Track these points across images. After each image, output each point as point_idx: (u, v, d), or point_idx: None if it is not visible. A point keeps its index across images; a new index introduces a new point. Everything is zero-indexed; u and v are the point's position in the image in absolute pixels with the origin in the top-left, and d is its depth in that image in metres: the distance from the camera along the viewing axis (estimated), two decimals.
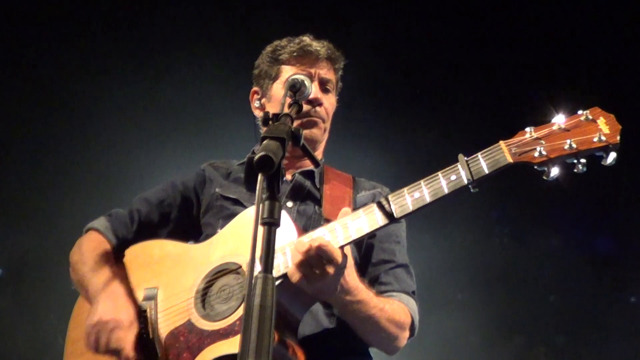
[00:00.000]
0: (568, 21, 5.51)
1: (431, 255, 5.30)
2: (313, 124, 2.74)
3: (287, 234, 2.30)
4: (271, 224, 1.73)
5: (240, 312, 2.31)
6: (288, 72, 2.80)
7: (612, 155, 2.01)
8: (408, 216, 2.22)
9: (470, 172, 2.10)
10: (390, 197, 2.21)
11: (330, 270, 2.16)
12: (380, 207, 2.20)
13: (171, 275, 2.56)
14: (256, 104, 2.91)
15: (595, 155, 2.02)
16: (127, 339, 2.41)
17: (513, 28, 5.62)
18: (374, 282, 2.62)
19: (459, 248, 5.67)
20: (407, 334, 2.57)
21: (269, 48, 2.90)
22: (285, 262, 2.26)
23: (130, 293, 2.55)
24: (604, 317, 5.48)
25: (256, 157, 1.72)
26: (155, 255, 2.64)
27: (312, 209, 2.68)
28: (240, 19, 5.46)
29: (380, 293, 2.54)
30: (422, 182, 2.18)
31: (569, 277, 5.57)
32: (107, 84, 5.35)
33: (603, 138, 2.00)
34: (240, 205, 2.69)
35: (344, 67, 2.94)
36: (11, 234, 5.25)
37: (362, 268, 2.63)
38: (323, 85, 2.82)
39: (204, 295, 2.44)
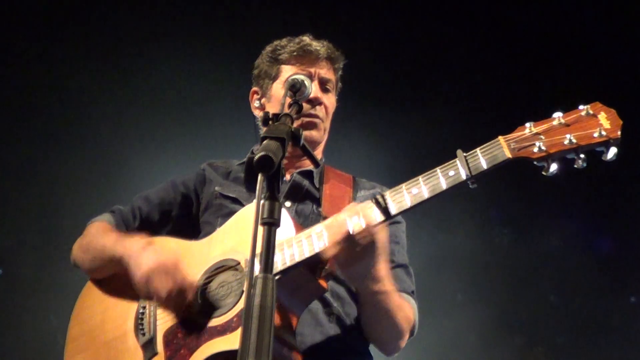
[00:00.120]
0: (569, 15, 5.50)
1: (431, 256, 5.29)
2: (313, 126, 2.75)
3: (285, 231, 2.30)
4: (271, 223, 1.73)
5: (237, 308, 2.32)
6: (288, 71, 2.80)
7: (613, 151, 1.99)
8: (406, 212, 2.22)
9: (469, 168, 2.09)
10: (388, 194, 2.21)
11: (370, 251, 2.16)
12: (378, 203, 2.20)
13: None
14: (256, 103, 2.92)
15: (595, 150, 2.00)
16: (181, 277, 2.39)
17: (514, 22, 5.62)
18: None
19: (459, 248, 5.67)
20: (408, 334, 2.59)
21: (268, 48, 2.91)
22: (282, 259, 2.27)
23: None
24: (604, 317, 5.48)
25: (256, 157, 1.73)
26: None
27: (310, 209, 2.69)
28: (241, 17, 5.45)
29: None
30: (420, 178, 2.17)
31: (569, 277, 5.57)
32: (107, 84, 5.35)
33: (604, 133, 1.98)
34: (240, 204, 2.70)
35: (344, 66, 2.95)
36: (11, 233, 5.24)
37: None
38: (323, 84, 2.82)
39: (202, 292, 2.44)
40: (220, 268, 2.45)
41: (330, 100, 2.85)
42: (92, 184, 5.21)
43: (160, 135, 5.33)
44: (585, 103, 2.05)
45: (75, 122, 5.31)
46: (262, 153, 1.72)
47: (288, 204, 2.69)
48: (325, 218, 2.48)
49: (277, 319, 2.13)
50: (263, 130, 2.17)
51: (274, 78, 2.85)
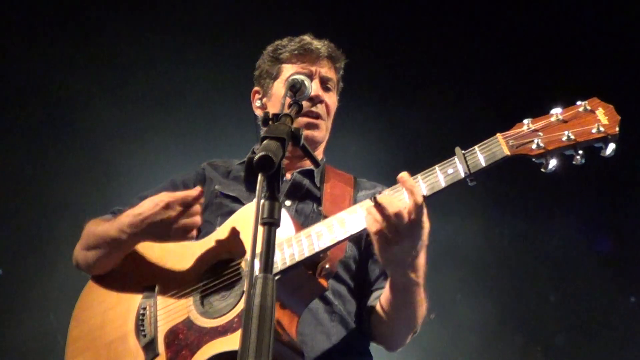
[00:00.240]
0: (566, 11, 5.49)
1: (430, 255, 5.28)
2: (314, 127, 2.75)
3: (285, 230, 2.30)
4: (271, 224, 1.73)
5: (238, 309, 2.32)
6: (289, 70, 2.82)
7: (611, 147, 1.98)
8: None
9: (468, 166, 2.08)
10: (387, 191, 2.20)
11: (416, 234, 2.13)
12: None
13: (170, 273, 2.57)
14: (257, 103, 2.93)
15: (594, 146, 2.00)
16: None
17: (511, 18, 5.62)
18: (373, 278, 2.63)
19: (459, 248, 5.66)
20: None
21: (269, 48, 2.93)
22: (282, 258, 2.27)
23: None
24: (604, 317, 5.48)
25: (256, 157, 1.73)
26: (155, 253, 2.65)
27: (310, 208, 2.70)
28: (242, 16, 5.45)
29: (380, 289, 2.54)
30: (419, 175, 2.18)
31: (569, 277, 5.57)
32: (108, 83, 5.35)
33: (602, 129, 1.98)
34: (239, 203, 2.70)
35: (346, 65, 2.96)
36: (11, 233, 5.24)
37: (362, 264, 2.63)
38: (324, 83, 2.83)
39: (203, 292, 2.44)
40: (220, 268, 2.44)
41: (331, 99, 2.85)
42: (93, 184, 5.21)
43: (161, 135, 5.33)
44: (583, 99, 2.05)
45: (76, 122, 5.31)
46: (262, 153, 1.72)
47: (288, 202, 2.70)
48: (325, 217, 2.48)
49: (277, 319, 2.12)
50: (263, 130, 2.18)
51: (275, 77, 2.86)
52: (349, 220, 2.24)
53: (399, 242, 2.14)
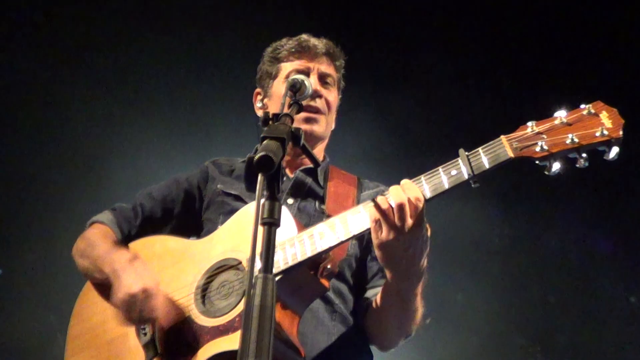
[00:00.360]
0: (572, 12, 5.49)
1: (430, 256, 5.28)
2: (313, 121, 2.75)
3: (287, 230, 2.30)
4: (271, 224, 1.74)
5: (239, 308, 2.33)
6: (287, 68, 2.86)
7: (615, 150, 1.99)
8: None
9: (471, 167, 2.08)
10: (390, 194, 2.19)
11: (416, 233, 2.13)
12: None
13: (172, 271, 2.58)
14: (258, 104, 2.97)
15: (597, 150, 2.01)
16: (158, 305, 2.41)
17: (516, 19, 5.61)
18: (370, 275, 2.63)
19: (459, 248, 5.66)
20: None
21: (269, 49, 2.97)
22: (284, 258, 2.27)
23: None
24: (604, 317, 5.47)
25: (256, 157, 1.73)
26: (156, 251, 2.66)
27: (313, 206, 2.70)
28: (241, 14, 5.45)
29: (376, 287, 2.54)
30: (422, 177, 2.18)
31: (569, 277, 5.57)
32: (109, 82, 5.35)
33: (605, 132, 1.98)
34: (241, 201, 2.70)
35: (347, 64, 2.97)
36: (11, 233, 5.24)
37: (363, 262, 2.63)
38: (323, 79, 2.84)
39: (204, 291, 2.45)
40: (222, 267, 2.45)
41: (331, 95, 2.86)
42: (93, 183, 5.21)
43: (163, 133, 5.33)
44: (587, 102, 2.05)
45: (76, 122, 5.31)
46: (262, 153, 1.73)
47: (291, 201, 2.70)
48: (328, 216, 2.48)
49: (278, 319, 2.12)
50: (263, 130, 2.18)
51: (274, 77, 2.90)
52: (352, 220, 2.24)
53: (398, 238, 2.14)
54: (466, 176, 2.10)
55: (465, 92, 5.64)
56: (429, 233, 2.21)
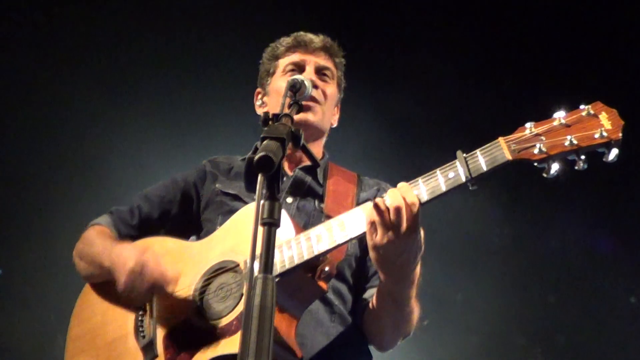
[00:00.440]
0: (571, 13, 5.48)
1: (430, 255, 5.28)
2: (308, 109, 2.72)
3: (284, 232, 2.29)
4: (271, 224, 1.73)
5: (237, 311, 2.32)
6: (284, 63, 2.86)
7: (614, 152, 1.96)
8: None
9: (469, 170, 2.06)
10: (386, 196, 2.18)
11: (410, 236, 2.12)
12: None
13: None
14: (258, 102, 2.97)
15: (596, 151, 1.98)
16: (154, 268, 2.42)
17: (515, 19, 5.61)
18: (370, 274, 2.63)
19: (459, 248, 5.66)
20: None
21: (268, 48, 2.97)
22: (282, 260, 2.26)
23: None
24: (604, 317, 5.48)
25: (256, 157, 1.72)
26: (155, 252, 2.64)
27: (312, 205, 2.68)
28: (241, 13, 5.46)
29: (374, 287, 2.53)
30: (419, 179, 2.16)
31: (569, 277, 5.57)
32: (107, 81, 5.35)
33: (605, 134, 1.95)
34: (240, 201, 2.69)
35: (348, 63, 2.98)
36: (11, 233, 5.24)
37: (362, 260, 2.63)
38: (319, 71, 2.84)
39: (201, 294, 2.44)
40: (220, 270, 2.44)
41: (330, 89, 2.85)
42: (93, 183, 5.21)
43: (160, 133, 5.33)
44: (587, 102, 2.03)
45: (76, 122, 5.31)
46: (262, 153, 1.72)
47: (290, 200, 2.68)
48: (327, 215, 2.47)
49: (275, 322, 2.12)
50: (263, 130, 2.19)
51: (272, 73, 2.91)
52: (349, 223, 2.22)
53: (393, 242, 2.13)
54: (464, 179, 2.07)
55: (464, 90, 5.64)
56: (422, 237, 2.20)
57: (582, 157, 1.98)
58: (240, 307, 2.31)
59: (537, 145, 2.01)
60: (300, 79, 2.33)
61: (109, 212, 2.86)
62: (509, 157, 2.03)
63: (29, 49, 5.20)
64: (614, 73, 5.32)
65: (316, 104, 2.76)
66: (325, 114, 2.83)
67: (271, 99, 2.87)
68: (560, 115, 2.03)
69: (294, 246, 2.27)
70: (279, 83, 2.83)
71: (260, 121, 2.41)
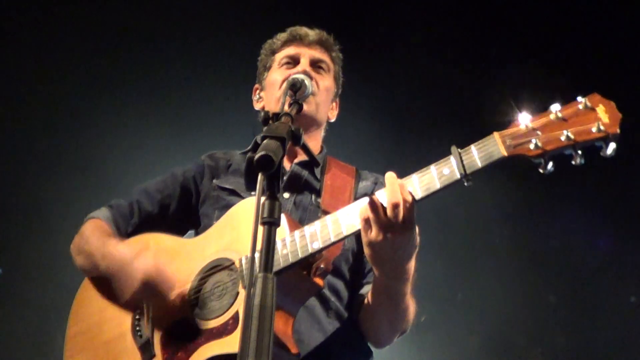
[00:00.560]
0: (566, 3, 5.47)
1: (430, 256, 5.29)
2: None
3: (279, 230, 2.27)
4: (271, 223, 1.72)
5: (233, 310, 2.31)
6: (280, 56, 2.91)
7: (612, 146, 1.90)
8: None
9: (463, 166, 2.02)
10: (381, 192, 2.17)
11: (405, 232, 2.09)
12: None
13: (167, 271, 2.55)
14: (256, 97, 3.00)
15: (594, 146, 1.92)
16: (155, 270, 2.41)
17: (511, 13, 5.59)
18: (366, 269, 2.62)
19: (459, 248, 5.66)
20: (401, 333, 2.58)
21: (265, 44, 3.01)
22: (277, 259, 2.24)
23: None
24: (604, 317, 5.47)
25: (256, 156, 1.72)
26: (152, 250, 2.64)
27: (309, 200, 2.68)
28: (238, 11, 5.46)
29: (370, 283, 2.53)
30: (413, 175, 2.12)
31: (569, 277, 5.57)
32: (103, 78, 5.35)
33: (602, 128, 1.89)
34: (237, 195, 2.69)
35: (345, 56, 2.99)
36: (11, 233, 5.24)
37: (359, 255, 2.62)
38: (314, 64, 2.86)
39: (197, 293, 2.43)
40: (215, 268, 2.43)
41: (325, 81, 2.87)
42: (93, 183, 5.20)
43: (158, 128, 5.34)
44: (583, 94, 1.97)
45: (75, 122, 5.31)
46: (262, 152, 1.71)
47: (287, 195, 2.69)
48: (324, 210, 2.47)
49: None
50: (264, 129, 2.18)
51: (269, 68, 2.96)
52: (345, 220, 2.21)
53: (388, 239, 2.11)
54: (458, 175, 2.03)
55: (459, 82, 5.61)
56: (418, 234, 2.18)
57: (579, 151, 1.93)
58: (236, 305, 2.30)
59: (533, 141, 1.95)
60: (301, 78, 2.34)
61: (108, 205, 2.86)
62: (504, 153, 1.99)
63: (27, 47, 5.20)
64: (611, 64, 5.29)
65: (310, 95, 2.76)
66: (320, 105, 2.83)
67: (267, 92, 2.91)
68: (556, 109, 1.98)
69: (289, 244, 2.26)
70: (274, 76, 2.88)
71: (260, 120, 2.41)
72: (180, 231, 2.75)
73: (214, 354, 2.28)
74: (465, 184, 2.05)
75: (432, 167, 2.09)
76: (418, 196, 2.10)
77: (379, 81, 5.56)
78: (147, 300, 2.45)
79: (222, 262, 2.42)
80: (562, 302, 5.60)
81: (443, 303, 5.45)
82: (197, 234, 2.73)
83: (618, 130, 1.90)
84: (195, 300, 2.42)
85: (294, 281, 2.31)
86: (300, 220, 2.47)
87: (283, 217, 2.32)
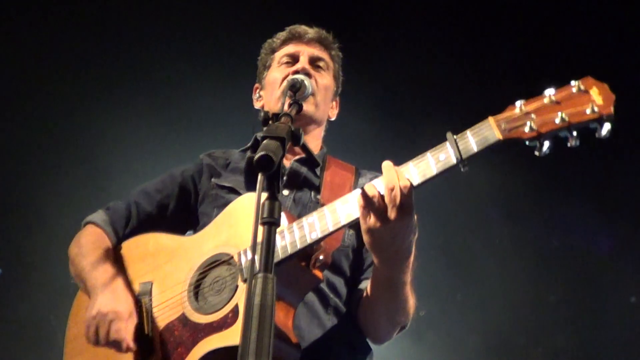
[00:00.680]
0: None
1: (430, 255, 5.30)
2: None
3: None
4: (271, 223, 1.72)
5: (232, 304, 2.31)
6: (279, 55, 2.91)
7: (607, 127, 1.90)
8: None
9: (459, 151, 2.02)
10: (378, 180, 2.16)
11: (404, 218, 2.09)
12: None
13: (165, 269, 2.56)
14: (256, 96, 3.01)
15: (589, 127, 1.93)
16: (126, 329, 2.41)
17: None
18: (365, 265, 2.62)
19: (459, 248, 5.67)
20: (400, 328, 2.58)
21: (265, 43, 3.02)
22: (275, 249, 2.23)
23: (129, 286, 2.55)
24: (604, 317, 5.48)
25: (256, 156, 1.72)
26: (150, 249, 2.64)
27: (308, 197, 2.68)
28: (235, 10, 5.46)
29: (369, 279, 2.53)
30: (410, 162, 2.13)
31: (569, 277, 5.57)
32: (101, 79, 5.35)
33: (596, 109, 1.90)
34: (236, 193, 2.68)
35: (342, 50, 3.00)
36: (11, 233, 5.24)
37: (359, 252, 2.62)
38: (313, 62, 2.86)
39: (197, 288, 2.43)
40: (214, 263, 2.43)
41: (324, 80, 2.87)
42: (93, 182, 5.21)
43: (156, 129, 5.35)
44: (577, 78, 1.98)
45: (75, 122, 5.32)
46: (262, 153, 1.71)
47: (286, 192, 2.68)
48: (323, 206, 2.47)
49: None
50: (264, 129, 2.18)
51: (269, 66, 2.95)
52: (342, 209, 2.20)
53: (387, 225, 2.10)
54: (454, 160, 2.03)
55: (453, 69, 5.60)
56: (416, 222, 2.18)
57: (574, 133, 1.94)
58: (235, 299, 2.30)
59: (528, 124, 1.96)
60: (300, 79, 2.34)
61: (105, 207, 2.85)
62: (499, 136, 1.99)
63: (25, 47, 5.20)
64: (605, 49, 5.28)
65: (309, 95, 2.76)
66: (319, 104, 2.83)
67: (267, 91, 2.91)
68: (550, 92, 1.98)
69: (287, 235, 2.26)
70: (273, 75, 2.88)
71: (260, 120, 2.41)
72: (179, 231, 2.74)
73: (213, 347, 2.27)
74: (462, 169, 2.05)
75: (428, 154, 2.10)
76: (415, 182, 2.09)
77: (371, 74, 5.55)
78: (146, 298, 2.44)
79: (221, 257, 2.42)
80: (562, 302, 5.60)
81: (443, 303, 5.45)
82: (196, 232, 2.73)
83: (612, 111, 1.91)
84: (194, 296, 2.42)
85: (294, 273, 2.31)
86: (298, 216, 2.47)
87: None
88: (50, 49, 5.26)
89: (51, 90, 5.29)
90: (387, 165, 2.12)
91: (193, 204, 2.83)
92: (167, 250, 2.59)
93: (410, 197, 2.09)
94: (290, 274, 2.29)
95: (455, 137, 2.05)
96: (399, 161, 2.16)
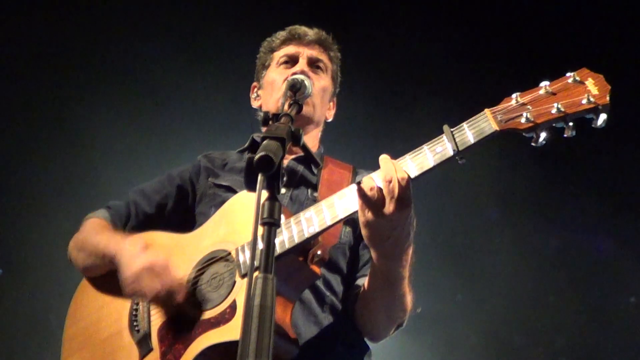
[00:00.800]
0: None
1: (431, 255, 5.30)
2: None
3: None
4: (271, 224, 1.72)
5: (230, 299, 2.31)
6: (279, 55, 2.92)
7: (602, 117, 1.93)
8: None
9: (456, 143, 2.04)
10: (376, 173, 2.17)
11: (403, 211, 2.09)
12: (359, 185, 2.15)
13: None
14: (254, 96, 3.03)
15: (585, 118, 1.96)
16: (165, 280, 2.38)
17: None
18: (364, 264, 2.62)
19: (459, 248, 5.66)
20: (397, 325, 2.58)
21: (264, 42, 3.03)
22: None
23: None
24: (604, 317, 5.48)
25: (256, 157, 1.72)
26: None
27: (305, 194, 2.69)
28: (234, 9, 5.46)
29: (367, 276, 2.53)
30: (407, 155, 2.14)
31: (569, 277, 5.57)
32: (99, 80, 5.35)
33: (592, 99, 1.93)
34: (233, 192, 2.69)
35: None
36: (11, 233, 5.24)
37: (355, 249, 2.63)
38: (312, 63, 2.87)
39: (194, 284, 2.43)
40: (212, 259, 2.44)
41: (322, 81, 2.88)
42: (92, 182, 5.21)
43: (154, 130, 5.35)
44: (572, 69, 2.01)
45: (71, 121, 5.31)
46: (262, 153, 1.71)
47: (283, 190, 2.68)
48: None
49: None
50: (263, 129, 2.16)
51: (267, 66, 2.97)
52: (339, 204, 2.21)
53: (385, 218, 2.11)
54: (451, 152, 2.05)
55: (449, 63, 5.59)
56: (414, 215, 2.18)
57: (570, 124, 1.96)
58: (233, 294, 2.31)
59: (524, 115, 1.99)
60: (300, 79, 2.34)
61: (106, 206, 2.87)
62: (496, 127, 2.02)
63: (27, 49, 5.20)
64: (601, 41, 5.27)
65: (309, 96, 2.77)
66: (317, 105, 2.85)
67: (265, 91, 2.93)
68: (545, 84, 2.01)
69: (284, 230, 2.26)
70: (272, 75, 2.90)
71: (260, 120, 2.41)
72: (177, 232, 2.75)
73: (212, 342, 2.27)
74: (459, 161, 2.07)
75: (425, 147, 2.12)
76: (413, 175, 2.11)
77: (367, 68, 5.54)
78: (149, 290, 2.43)
79: (218, 253, 2.43)
80: (562, 302, 5.60)
81: (443, 303, 5.44)
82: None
83: (608, 101, 1.93)
84: (192, 293, 2.42)
85: (291, 268, 2.31)
86: (295, 213, 2.47)
87: None
88: (51, 49, 5.25)
89: (51, 91, 5.29)
90: (384, 158, 2.14)
91: (191, 205, 2.84)
92: (165, 248, 2.59)
93: (408, 189, 2.10)
94: (288, 269, 2.29)
95: (451, 129, 2.07)
96: (396, 155, 2.17)
